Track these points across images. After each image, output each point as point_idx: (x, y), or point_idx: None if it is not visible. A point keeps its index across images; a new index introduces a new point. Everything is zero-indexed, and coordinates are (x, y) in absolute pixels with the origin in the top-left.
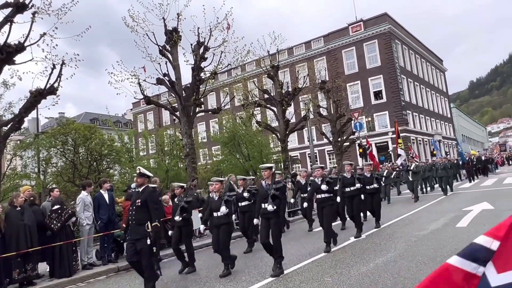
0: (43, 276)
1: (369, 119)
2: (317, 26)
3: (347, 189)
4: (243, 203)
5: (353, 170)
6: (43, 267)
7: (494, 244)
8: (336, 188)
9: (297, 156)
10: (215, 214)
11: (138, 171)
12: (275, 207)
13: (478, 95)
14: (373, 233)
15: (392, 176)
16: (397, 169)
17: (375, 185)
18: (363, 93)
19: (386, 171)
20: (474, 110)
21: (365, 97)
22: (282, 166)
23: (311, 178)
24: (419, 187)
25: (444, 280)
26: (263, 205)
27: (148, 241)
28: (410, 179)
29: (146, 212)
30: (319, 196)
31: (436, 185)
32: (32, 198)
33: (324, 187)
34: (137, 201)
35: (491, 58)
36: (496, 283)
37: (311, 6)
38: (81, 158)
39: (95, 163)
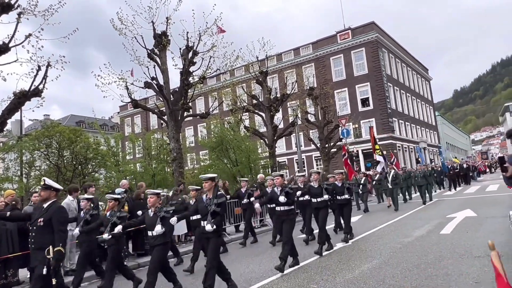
0: (23, 283)
1: (356, 126)
2: (306, 33)
3: (314, 200)
4: (195, 217)
5: (320, 179)
6: (23, 273)
7: None
8: (305, 198)
9: (285, 161)
10: (149, 233)
11: (42, 183)
12: (214, 227)
13: (462, 104)
14: (359, 240)
15: (374, 184)
16: (377, 176)
17: (346, 196)
18: (350, 100)
19: (364, 178)
20: (458, 118)
21: (352, 104)
22: (270, 172)
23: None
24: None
25: None
26: (202, 223)
27: (45, 270)
28: (390, 186)
29: (49, 234)
30: (278, 208)
31: (415, 194)
32: (14, 203)
33: (282, 198)
34: (39, 220)
35: (474, 68)
36: None
37: (301, 12)
38: (65, 161)
39: (80, 166)
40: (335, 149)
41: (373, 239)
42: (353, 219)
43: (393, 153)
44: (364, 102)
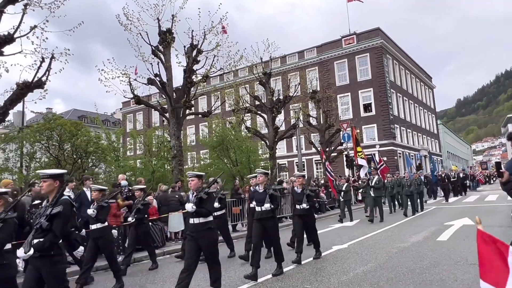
0: (19, 273)
1: (358, 131)
2: (311, 37)
3: (258, 209)
4: (94, 226)
5: (268, 183)
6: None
7: None
8: (252, 205)
9: (285, 164)
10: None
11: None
12: (30, 252)
13: (465, 114)
14: (355, 243)
15: (360, 191)
16: (363, 182)
17: (305, 205)
18: (353, 105)
19: (346, 184)
20: (460, 127)
21: (354, 109)
22: (270, 173)
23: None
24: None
25: None
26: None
27: None
28: (372, 194)
29: None
30: (191, 220)
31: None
32: (15, 192)
33: (189, 206)
34: None
35: (478, 78)
36: None
37: (306, 16)
38: (65, 154)
39: (80, 160)
40: (335, 153)
41: (369, 243)
42: (350, 224)
43: (380, 158)
44: (367, 107)
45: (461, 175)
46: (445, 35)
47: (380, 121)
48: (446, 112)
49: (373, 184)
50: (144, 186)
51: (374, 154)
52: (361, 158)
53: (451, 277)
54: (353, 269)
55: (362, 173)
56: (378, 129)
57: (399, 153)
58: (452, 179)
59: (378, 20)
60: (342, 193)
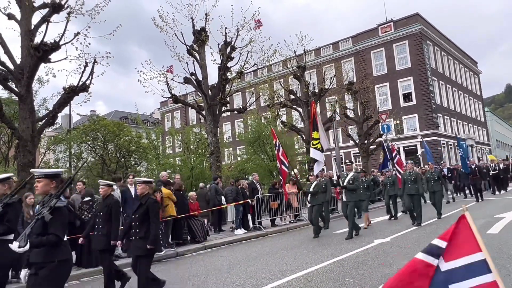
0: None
1: (398, 121)
2: (347, 25)
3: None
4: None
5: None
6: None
7: (443, 244)
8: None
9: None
10: None
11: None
12: None
13: None
14: (398, 237)
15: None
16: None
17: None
18: (391, 95)
19: (315, 183)
20: (510, 114)
21: (393, 99)
22: (307, 168)
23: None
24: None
25: (412, 268)
26: None
27: None
28: (344, 199)
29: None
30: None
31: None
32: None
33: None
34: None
35: None
36: (444, 268)
37: (342, 3)
38: (110, 154)
39: (123, 159)
40: (374, 146)
41: (413, 237)
42: (381, 218)
43: (393, 147)
44: (407, 97)
45: (501, 165)
46: (493, 15)
47: (422, 111)
48: (494, 99)
49: (345, 183)
50: (112, 183)
51: (416, 145)
52: (315, 148)
53: (503, 271)
54: (397, 262)
55: (316, 170)
56: (420, 119)
57: (443, 143)
58: (492, 172)
59: (416, 4)
60: (310, 196)
